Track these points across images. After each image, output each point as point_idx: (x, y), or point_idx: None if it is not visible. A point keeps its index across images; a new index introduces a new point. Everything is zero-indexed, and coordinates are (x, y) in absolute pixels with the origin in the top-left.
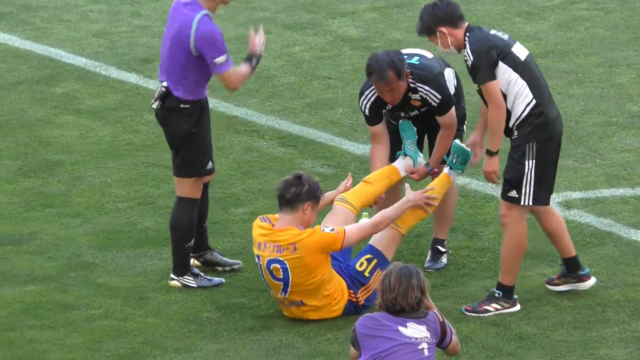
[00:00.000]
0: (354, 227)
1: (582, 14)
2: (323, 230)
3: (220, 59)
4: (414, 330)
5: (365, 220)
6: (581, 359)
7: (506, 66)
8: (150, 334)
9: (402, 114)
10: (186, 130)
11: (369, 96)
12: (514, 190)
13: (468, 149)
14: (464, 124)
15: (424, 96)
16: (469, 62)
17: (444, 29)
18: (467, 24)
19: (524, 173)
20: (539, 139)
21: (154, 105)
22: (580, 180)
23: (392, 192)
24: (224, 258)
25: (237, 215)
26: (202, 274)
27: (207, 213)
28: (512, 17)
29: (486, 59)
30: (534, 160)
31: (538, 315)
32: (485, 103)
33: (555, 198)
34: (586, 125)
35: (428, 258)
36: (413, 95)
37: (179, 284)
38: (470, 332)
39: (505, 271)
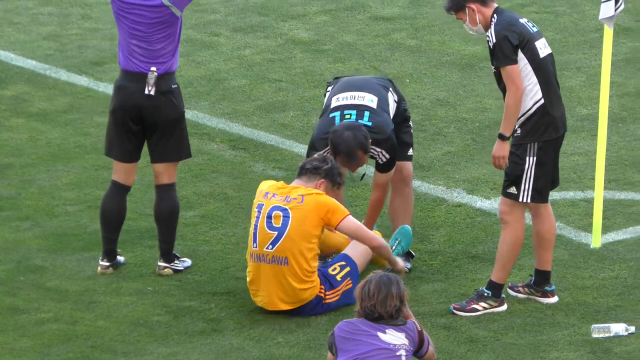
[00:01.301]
0: (357, 222)
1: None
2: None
3: None
4: (393, 337)
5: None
6: None
7: (523, 56)
8: (99, 338)
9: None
10: (180, 111)
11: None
12: (514, 187)
13: (411, 234)
14: (410, 121)
15: (374, 155)
16: (491, 43)
17: (473, 5)
18: (496, 5)
19: (524, 170)
20: (541, 139)
21: (152, 92)
22: None
23: (401, 198)
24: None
25: (188, 218)
26: (180, 256)
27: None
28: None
29: (508, 42)
30: (534, 158)
31: (489, 319)
32: (502, 89)
33: None
34: None
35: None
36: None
37: (171, 271)
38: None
39: (499, 268)
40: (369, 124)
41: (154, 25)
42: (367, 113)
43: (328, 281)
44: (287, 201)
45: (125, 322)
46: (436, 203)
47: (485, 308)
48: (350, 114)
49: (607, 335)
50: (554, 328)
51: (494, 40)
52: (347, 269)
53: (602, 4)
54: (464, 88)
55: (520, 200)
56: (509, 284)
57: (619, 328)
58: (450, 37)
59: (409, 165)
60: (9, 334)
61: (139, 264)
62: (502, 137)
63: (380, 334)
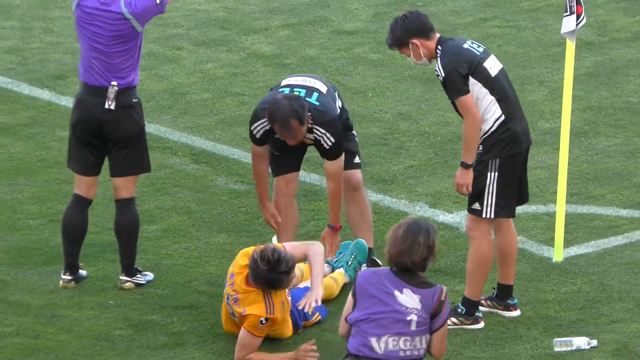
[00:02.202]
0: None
1: (494, 32)
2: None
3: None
4: (407, 299)
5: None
6: None
7: (475, 81)
8: (61, 352)
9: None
10: (141, 125)
11: (265, 124)
12: (477, 203)
13: (367, 248)
14: (352, 130)
15: (318, 137)
16: (441, 77)
17: (416, 41)
18: (438, 35)
19: (486, 185)
20: (502, 155)
21: (112, 106)
22: None
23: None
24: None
25: (150, 232)
26: (141, 269)
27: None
28: None
29: (457, 74)
30: (496, 173)
31: (451, 332)
32: (460, 115)
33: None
34: None
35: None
36: (307, 134)
37: (133, 285)
38: None
39: (469, 284)
40: (316, 103)
41: (113, 39)
42: (315, 94)
43: (300, 317)
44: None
45: (87, 336)
46: (399, 217)
47: (455, 324)
48: (300, 92)
49: (569, 349)
50: (516, 342)
51: (443, 75)
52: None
53: (564, 18)
54: (427, 102)
55: (484, 215)
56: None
57: (581, 342)
58: None
59: (357, 173)
60: None
61: (100, 278)
62: (464, 166)
63: (397, 293)
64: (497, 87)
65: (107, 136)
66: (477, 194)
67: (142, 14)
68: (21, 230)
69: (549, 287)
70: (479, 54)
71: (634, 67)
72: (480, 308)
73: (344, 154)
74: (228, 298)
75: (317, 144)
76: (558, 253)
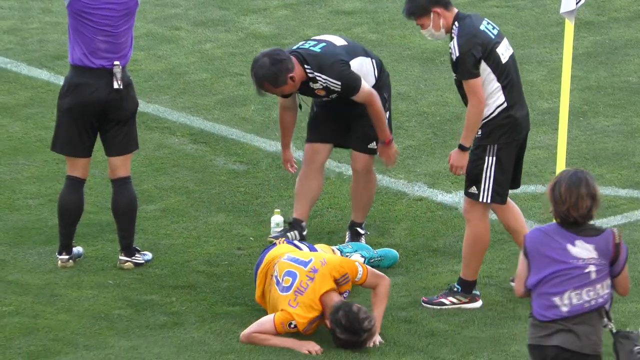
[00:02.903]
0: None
1: (492, 11)
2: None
3: None
4: (582, 250)
5: (276, 217)
6: (492, 355)
7: (486, 66)
8: (61, 331)
9: (314, 98)
10: (137, 103)
11: None
12: (474, 187)
13: (396, 257)
14: (388, 110)
15: (325, 84)
16: (454, 56)
17: (438, 10)
18: (456, 10)
19: (483, 169)
20: (500, 142)
21: (122, 85)
22: None
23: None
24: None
25: (149, 212)
26: (140, 249)
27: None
28: None
29: (471, 56)
30: (493, 158)
31: (449, 312)
32: (462, 96)
33: None
34: None
35: (347, 240)
36: (314, 85)
37: (132, 265)
38: (382, 329)
39: (465, 265)
40: (317, 50)
41: (122, 17)
42: (323, 44)
43: None
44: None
45: (86, 315)
46: (397, 197)
47: (453, 303)
48: (310, 43)
49: None
50: (515, 321)
51: (457, 54)
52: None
53: None
54: (425, 82)
55: (481, 200)
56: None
57: None
58: (412, 31)
59: (365, 158)
60: None
61: (99, 258)
62: (462, 148)
63: (569, 247)
64: (506, 74)
65: (110, 116)
66: (474, 178)
67: None
68: (20, 210)
69: None
70: (493, 37)
71: (633, 46)
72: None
73: (362, 82)
74: (293, 277)
75: (329, 91)
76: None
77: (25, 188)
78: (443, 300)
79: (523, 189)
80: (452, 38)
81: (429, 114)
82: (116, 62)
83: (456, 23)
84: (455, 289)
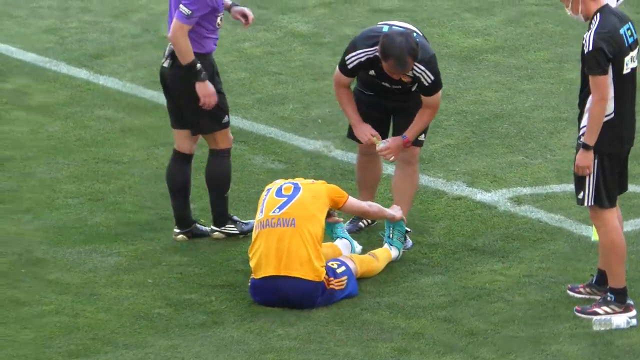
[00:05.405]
0: (356, 200)
1: (531, 10)
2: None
3: (185, 10)
4: None
5: None
6: (532, 355)
7: (610, 69)
8: (100, 330)
9: (386, 84)
10: (184, 85)
11: (361, 56)
12: (581, 192)
13: (403, 222)
14: None
15: (417, 74)
16: (586, 48)
17: None
18: (605, 1)
19: (587, 175)
20: (601, 152)
21: (165, 64)
22: (531, 176)
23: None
24: (208, 229)
25: None
26: (239, 219)
27: (190, 184)
28: (461, 12)
29: (603, 54)
30: (596, 161)
31: (489, 311)
32: (586, 83)
33: (505, 194)
34: (536, 121)
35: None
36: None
37: (222, 235)
38: (421, 328)
39: (610, 274)
40: (416, 38)
41: (174, 6)
42: (414, 34)
43: (331, 269)
44: (298, 182)
45: (126, 314)
46: (436, 196)
47: (607, 312)
48: (400, 28)
49: (608, 328)
50: (555, 321)
51: (590, 48)
52: (343, 267)
53: None
54: (464, 80)
55: (586, 204)
56: (568, 285)
57: (620, 321)
58: (450, 29)
59: (415, 149)
60: (11, 326)
61: (139, 257)
62: (585, 147)
63: None
64: (622, 84)
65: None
66: (579, 183)
67: None
68: (60, 209)
69: (588, 266)
70: (627, 44)
71: None
72: (577, 296)
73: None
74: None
75: (416, 80)
76: (597, 232)
77: (65, 187)
78: (597, 309)
79: (563, 188)
80: (589, 29)
81: (468, 112)
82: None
83: (598, 15)
84: (609, 298)
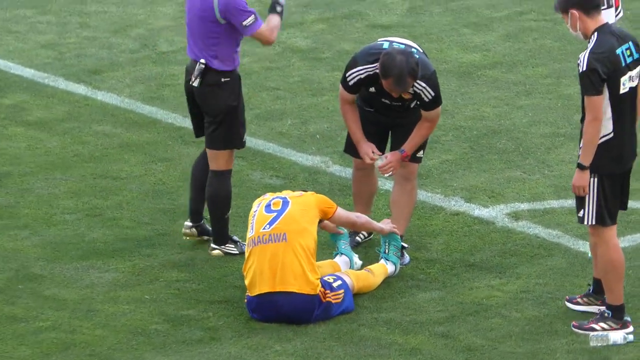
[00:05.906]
0: (345, 211)
1: (530, 25)
2: None
3: (248, 21)
4: None
5: None
6: None
7: (605, 89)
8: (98, 346)
9: (386, 101)
10: (229, 105)
11: (361, 73)
12: (581, 210)
13: (398, 236)
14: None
15: (418, 91)
16: (580, 68)
17: (575, 12)
18: (604, 21)
19: (583, 195)
20: (600, 172)
21: (195, 83)
22: (529, 192)
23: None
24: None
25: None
26: (240, 240)
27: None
28: (460, 28)
29: (597, 75)
30: (595, 179)
31: (486, 327)
32: (583, 111)
33: (503, 209)
34: (534, 136)
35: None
36: None
37: (221, 253)
38: (419, 344)
39: (607, 290)
40: (417, 57)
41: (198, 19)
42: (414, 50)
43: (327, 283)
44: (287, 196)
45: (123, 330)
46: (434, 211)
47: (604, 329)
48: (400, 46)
49: (605, 344)
50: (553, 336)
51: (584, 68)
52: (339, 282)
53: (602, 11)
54: (462, 96)
55: (586, 223)
56: (566, 297)
57: (617, 337)
58: (448, 45)
59: (413, 166)
60: (8, 343)
61: (136, 273)
62: (580, 167)
63: None
64: (620, 105)
65: (200, 107)
66: (579, 202)
67: (230, 22)
68: (57, 225)
69: (585, 282)
70: (624, 64)
71: None
72: (575, 307)
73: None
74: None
75: (417, 97)
76: (595, 249)
77: (63, 203)
78: (594, 325)
79: (560, 203)
80: (587, 47)
81: (466, 128)
82: (202, 60)
83: (595, 34)
84: (606, 314)
